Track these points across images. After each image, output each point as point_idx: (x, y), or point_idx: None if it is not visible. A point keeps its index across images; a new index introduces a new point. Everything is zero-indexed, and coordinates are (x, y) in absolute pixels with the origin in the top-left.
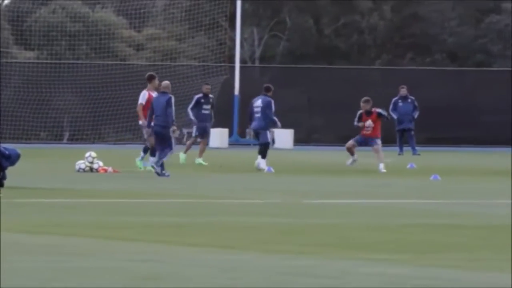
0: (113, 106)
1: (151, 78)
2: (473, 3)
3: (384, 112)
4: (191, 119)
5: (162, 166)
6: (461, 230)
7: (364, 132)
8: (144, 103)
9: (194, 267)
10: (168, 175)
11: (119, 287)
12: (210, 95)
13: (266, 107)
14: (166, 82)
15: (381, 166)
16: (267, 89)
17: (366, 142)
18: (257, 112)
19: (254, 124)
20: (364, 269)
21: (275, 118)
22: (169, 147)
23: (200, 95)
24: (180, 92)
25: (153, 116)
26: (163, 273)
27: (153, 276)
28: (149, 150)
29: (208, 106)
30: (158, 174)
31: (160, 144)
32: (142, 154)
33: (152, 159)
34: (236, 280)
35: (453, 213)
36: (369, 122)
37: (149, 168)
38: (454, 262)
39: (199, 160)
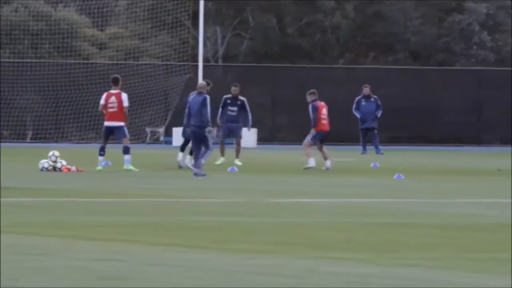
0: (76, 105)
1: (118, 81)
2: (436, 3)
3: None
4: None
5: (200, 166)
6: (423, 229)
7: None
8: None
9: (157, 266)
10: (204, 175)
11: (81, 287)
12: (240, 97)
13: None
14: (202, 82)
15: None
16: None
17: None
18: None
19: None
20: (328, 268)
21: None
22: (207, 147)
23: (228, 95)
24: (142, 91)
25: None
26: (125, 272)
27: (116, 275)
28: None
29: (235, 108)
30: (196, 174)
31: (197, 144)
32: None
33: (187, 159)
34: (199, 279)
35: (415, 212)
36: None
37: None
38: (416, 261)
39: (237, 162)
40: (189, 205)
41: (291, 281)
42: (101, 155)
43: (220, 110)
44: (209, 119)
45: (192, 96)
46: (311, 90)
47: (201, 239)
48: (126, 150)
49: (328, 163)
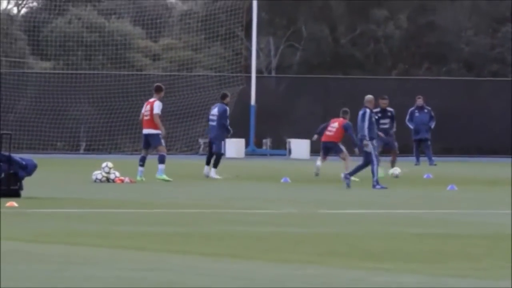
0: (129, 116)
1: (159, 90)
2: (489, 12)
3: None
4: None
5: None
6: (473, 240)
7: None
8: (160, 112)
9: (206, 276)
10: (385, 187)
11: None
12: (388, 108)
13: (221, 116)
14: (369, 97)
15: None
16: (223, 97)
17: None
18: (212, 121)
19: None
20: (377, 279)
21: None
22: (372, 162)
23: (378, 109)
24: (195, 102)
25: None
26: (174, 282)
27: (165, 285)
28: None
29: (386, 120)
30: (375, 186)
31: (365, 159)
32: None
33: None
34: None
35: (466, 222)
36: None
37: (162, 177)
38: (466, 271)
39: (392, 171)
40: (242, 216)
41: None
42: (140, 165)
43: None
44: (366, 132)
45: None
46: (344, 109)
47: (250, 249)
48: (160, 159)
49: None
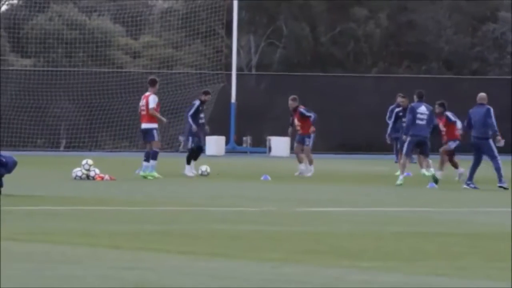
0: (110, 113)
1: (156, 82)
2: (469, 12)
3: (307, 113)
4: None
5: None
6: (452, 238)
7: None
8: (156, 106)
9: (185, 275)
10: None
11: None
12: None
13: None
14: (483, 94)
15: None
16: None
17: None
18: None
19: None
20: (356, 277)
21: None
22: (493, 157)
23: (399, 108)
24: (176, 99)
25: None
26: (154, 281)
27: (144, 284)
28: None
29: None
30: (468, 185)
31: (480, 155)
32: (144, 163)
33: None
34: None
35: (444, 221)
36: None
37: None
38: (444, 270)
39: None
40: (222, 213)
41: None
42: (144, 160)
43: (391, 124)
44: (496, 128)
45: (474, 108)
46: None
47: (229, 247)
48: (152, 155)
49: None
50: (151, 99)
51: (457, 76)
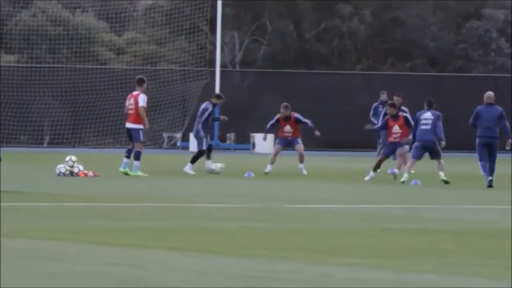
0: (94, 110)
1: (143, 82)
2: (454, 9)
3: (303, 119)
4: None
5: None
6: (440, 235)
7: (285, 135)
8: (145, 105)
9: (173, 272)
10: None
11: None
12: (403, 107)
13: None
14: (491, 93)
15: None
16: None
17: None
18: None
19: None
20: (343, 274)
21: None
22: (495, 158)
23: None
24: (160, 96)
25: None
26: (142, 278)
27: (132, 281)
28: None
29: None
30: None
31: (491, 155)
32: (125, 160)
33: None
34: (215, 285)
35: (432, 218)
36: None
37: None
38: (432, 267)
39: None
40: (207, 210)
41: (306, 287)
42: (125, 156)
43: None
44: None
45: (483, 107)
46: (284, 104)
47: (217, 244)
48: (136, 156)
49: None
50: (141, 98)
51: (441, 73)
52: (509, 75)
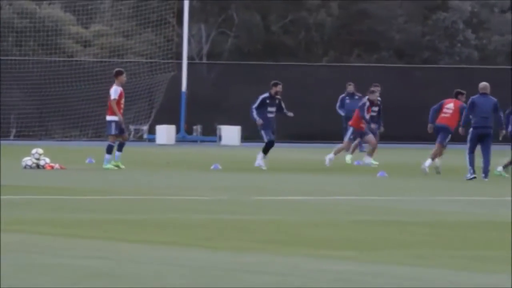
0: (60, 102)
1: (119, 74)
2: (421, 0)
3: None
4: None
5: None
6: (409, 227)
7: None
8: (117, 98)
9: (145, 264)
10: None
11: (67, 286)
12: (379, 99)
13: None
14: (486, 84)
15: None
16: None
17: None
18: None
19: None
20: (311, 266)
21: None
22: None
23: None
24: (126, 88)
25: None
26: (113, 270)
27: (103, 273)
28: None
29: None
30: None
31: (486, 147)
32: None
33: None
34: (186, 277)
35: (401, 210)
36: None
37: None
38: (402, 258)
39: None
40: (174, 202)
41: (274, 278)
42: (117, 150)
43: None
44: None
45: (477, 96)
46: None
47: (187, 237)
48: (106, 149)
49: None
50: (113, 91)
51: (408, 65)
52: (475, 66)
